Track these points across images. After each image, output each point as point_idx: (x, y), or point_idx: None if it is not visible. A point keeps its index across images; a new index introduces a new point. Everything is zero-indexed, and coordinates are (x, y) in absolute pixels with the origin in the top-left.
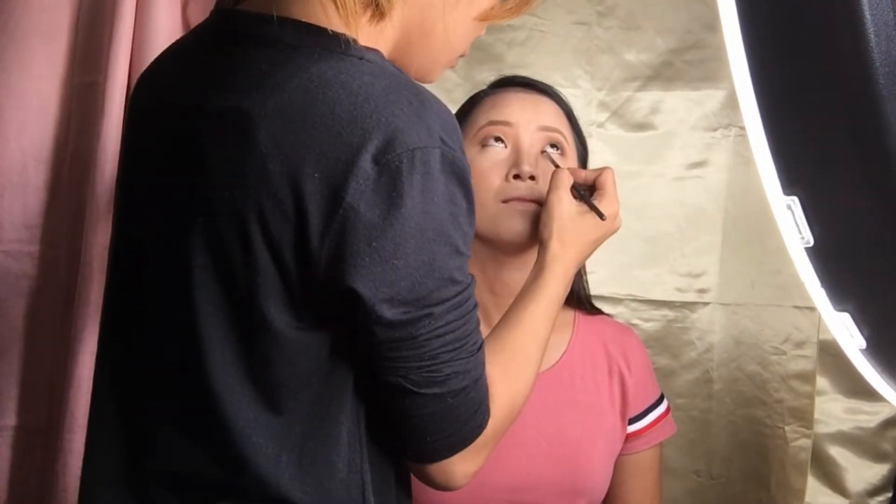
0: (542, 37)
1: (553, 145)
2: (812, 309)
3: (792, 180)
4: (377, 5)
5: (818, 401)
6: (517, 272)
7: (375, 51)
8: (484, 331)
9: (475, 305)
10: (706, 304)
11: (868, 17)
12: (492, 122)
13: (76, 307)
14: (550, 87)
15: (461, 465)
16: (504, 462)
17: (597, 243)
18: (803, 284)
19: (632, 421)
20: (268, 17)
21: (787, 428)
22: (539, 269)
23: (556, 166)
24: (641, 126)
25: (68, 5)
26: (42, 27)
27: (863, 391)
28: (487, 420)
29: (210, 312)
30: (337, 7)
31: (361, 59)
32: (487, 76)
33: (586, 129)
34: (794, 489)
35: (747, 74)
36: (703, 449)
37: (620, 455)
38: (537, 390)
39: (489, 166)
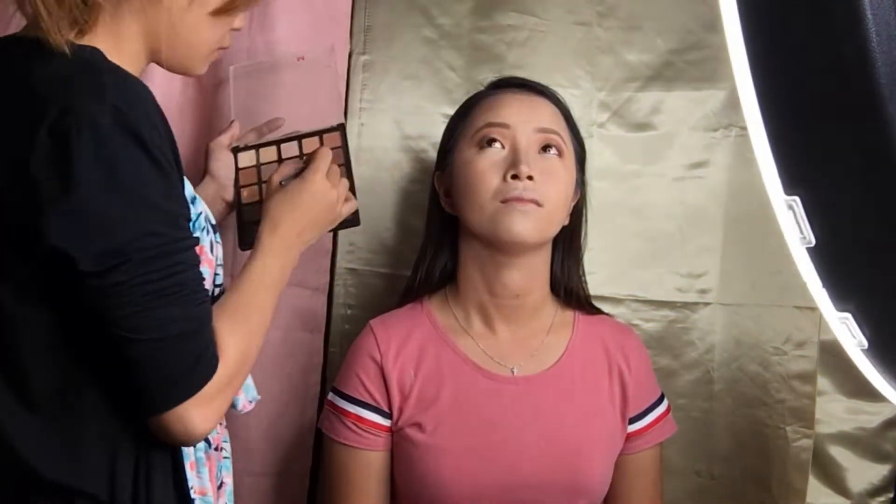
0: (543, 37)
1: (550, 146)
2: (813, 309)
3: (793, 180)
4: (80, 25)
5: (819, 401)
6: (516, 272)
7: (92, 49)
8: (484, 332)
9: (195, 262)
10: (707, 304)
11: (869, 17)
12: (489, 124)
13: None
14: (547, 88)
15: (197, 411)
16: (504, 462)
17: (303, 208)
18: (805, 284)
19: (632, 421)
20: (17, 38)
21: (788, 428)
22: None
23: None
24: (642, 126)
25: None
26: None
27: (864, 391)
28: (217, 366)
29: None
30: (58, 28)
31: (69, 54)
32: (488, 76)
33: (587, 130)
34: (795, 489)
35: (748, 74)
36: (703, 449)
37: (621, 455)
38: (537, 390)
39: (487, 166)
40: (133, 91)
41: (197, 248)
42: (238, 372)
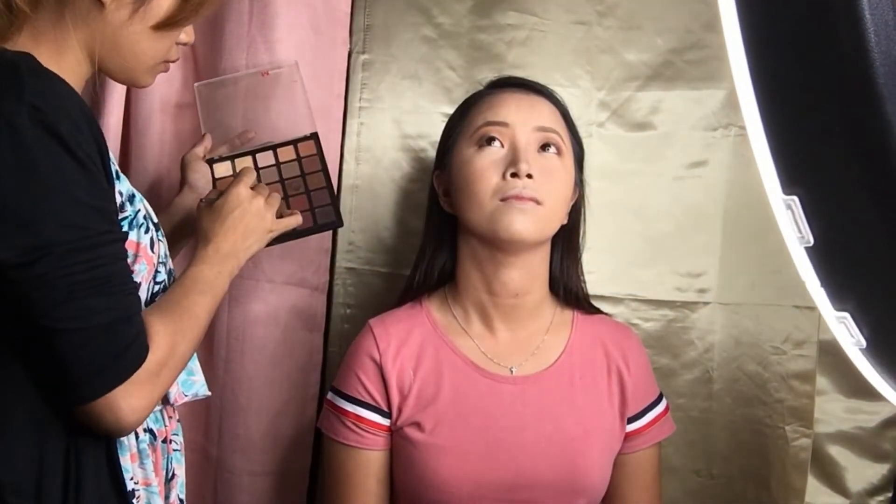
0: (543, 37)
1: (549, 145)
2: (812, 308)
3: (792, 180)
4: (1, 31)
5: (818, 400)
6: (515, 271)
7: (23, 54)
8: (483, 332)
9: (122, 255)
10: (706, 303)
11: (868, 16)
12: (488, 123)
13: None
14: (546, 88)
15: (126, 400)
16: (503, 461)
17: (235, 219)
18: (803, 284)
19: (631, 420)
20: None
21: (787, 427)
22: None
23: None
24: (641, 126)
25: None
26: None
27: (863, 391)
28: (146, 355)
29: None
30: None
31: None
32: (487, 76)
33: (586, 129)
34: (794, 489)
35: (747, 74)
36: (703, 448)
37: (619, 454)
38: (535, 390)
39: (486, 165)
40: (54, 91)
41: (133, 245)
42: (168, 363)
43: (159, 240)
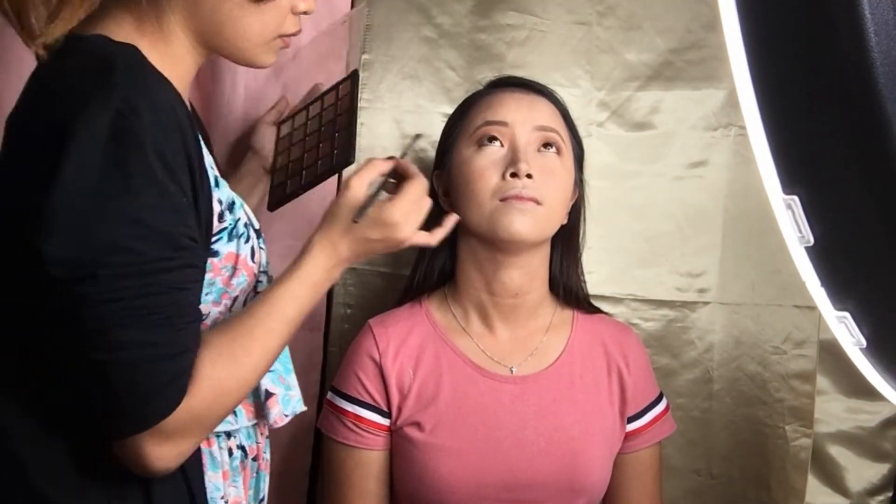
0: (543, 37)
1: (549, 144)
2: (812, 308)
3: (792, 179)
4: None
5: (818, 400)
6: (515, 271)
7: (124, 46)
8: (483, 331)
9: (178, 285)
10: (706, 303)
11: (868, 16)
12: (488, 122)
13: None
14: (545, 87)
15: (155, 448)
16: (503, 461)
17: (372, 244)
18: (804, 284)
19: (631, 419)
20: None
21: (787, 427)
22: (303, 248)
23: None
24: (641, 126)
25: None
26: None
27: (863, 391)
28: (180, 400)
29: None
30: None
31: (91, 51)
32: (487, 75)
33: (586, 129)
34: (794, 489)
35: (747, 74)
36: (703, 448)
37: (620, 454)
38: (535, 389)
39: (486, 164)
40: (147, 93)
41: (232, 257)
42: (210, 410)
43: (260, 248)
